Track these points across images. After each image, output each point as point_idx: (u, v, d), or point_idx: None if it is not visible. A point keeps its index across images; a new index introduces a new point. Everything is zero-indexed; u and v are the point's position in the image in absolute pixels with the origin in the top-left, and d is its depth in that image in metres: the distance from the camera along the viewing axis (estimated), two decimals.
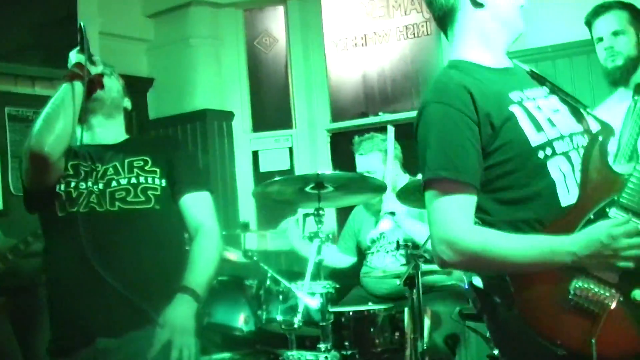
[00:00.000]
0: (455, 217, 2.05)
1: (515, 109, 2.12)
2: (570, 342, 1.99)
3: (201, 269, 2.65)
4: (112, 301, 2.55)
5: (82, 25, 2.67)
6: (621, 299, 2.01)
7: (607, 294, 2.00)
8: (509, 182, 2.11)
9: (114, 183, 2.69)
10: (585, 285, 2.00)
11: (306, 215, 3.88)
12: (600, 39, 3.49)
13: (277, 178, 3.80)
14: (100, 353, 2.55)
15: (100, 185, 2.68)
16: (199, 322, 2.64)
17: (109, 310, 2.56)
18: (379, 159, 4.54)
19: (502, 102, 2.13)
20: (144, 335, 2.51)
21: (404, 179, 4.54)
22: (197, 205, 2.77)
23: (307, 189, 3.75)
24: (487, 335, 3.95)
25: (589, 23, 3.54)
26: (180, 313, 2.53)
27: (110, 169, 2.72)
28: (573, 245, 1.99)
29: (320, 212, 3.68)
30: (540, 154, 2.09)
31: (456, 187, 2.06)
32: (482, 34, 2.23)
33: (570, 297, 2.00)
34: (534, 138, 2.10)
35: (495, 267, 2.07)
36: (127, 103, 2.94)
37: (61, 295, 2.67)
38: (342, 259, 4.85)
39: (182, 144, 3.00)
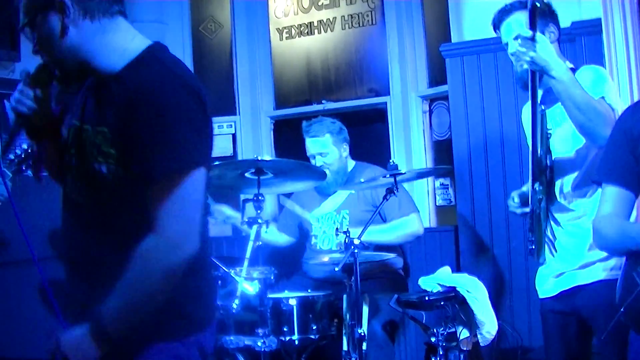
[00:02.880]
0: (600, 207, 2.61)
1: None
2: None
3: (124, 293, 1.98)
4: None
5: None
6: None
7: None
8: None
9: None
10: None
11: (245, 200, 3.88)
12: (506, 44, 3.30)
13: (217, 163, 3.80)
14: None
15: None
16: None
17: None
18: (330, 141, 4.60)
19: None
20: None
21: (350, 163, 4.73)
22: (158, 200, 2.07)
23: (248, 174, 3.76)
24: (424, 322, 4.03)
25: (495, 27, 3.34)
26: (69, 339, 1.99)
27: None
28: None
29: (260, 197, 3.69)
30: None
31: (605, 186, 2.59)
32: None
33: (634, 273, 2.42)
34: None
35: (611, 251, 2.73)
36: None
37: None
38: (280, 238, 4.89)
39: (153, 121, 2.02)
